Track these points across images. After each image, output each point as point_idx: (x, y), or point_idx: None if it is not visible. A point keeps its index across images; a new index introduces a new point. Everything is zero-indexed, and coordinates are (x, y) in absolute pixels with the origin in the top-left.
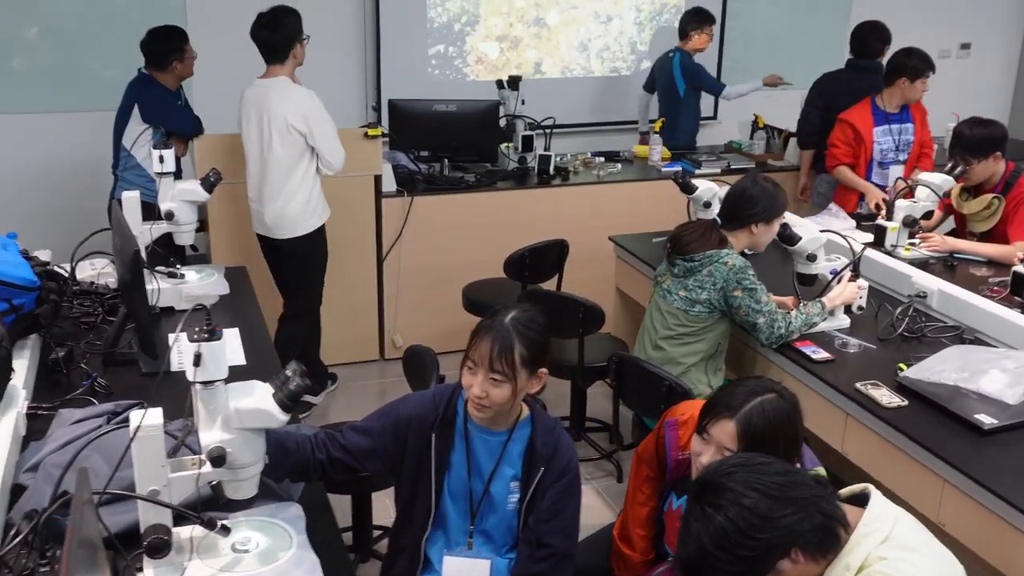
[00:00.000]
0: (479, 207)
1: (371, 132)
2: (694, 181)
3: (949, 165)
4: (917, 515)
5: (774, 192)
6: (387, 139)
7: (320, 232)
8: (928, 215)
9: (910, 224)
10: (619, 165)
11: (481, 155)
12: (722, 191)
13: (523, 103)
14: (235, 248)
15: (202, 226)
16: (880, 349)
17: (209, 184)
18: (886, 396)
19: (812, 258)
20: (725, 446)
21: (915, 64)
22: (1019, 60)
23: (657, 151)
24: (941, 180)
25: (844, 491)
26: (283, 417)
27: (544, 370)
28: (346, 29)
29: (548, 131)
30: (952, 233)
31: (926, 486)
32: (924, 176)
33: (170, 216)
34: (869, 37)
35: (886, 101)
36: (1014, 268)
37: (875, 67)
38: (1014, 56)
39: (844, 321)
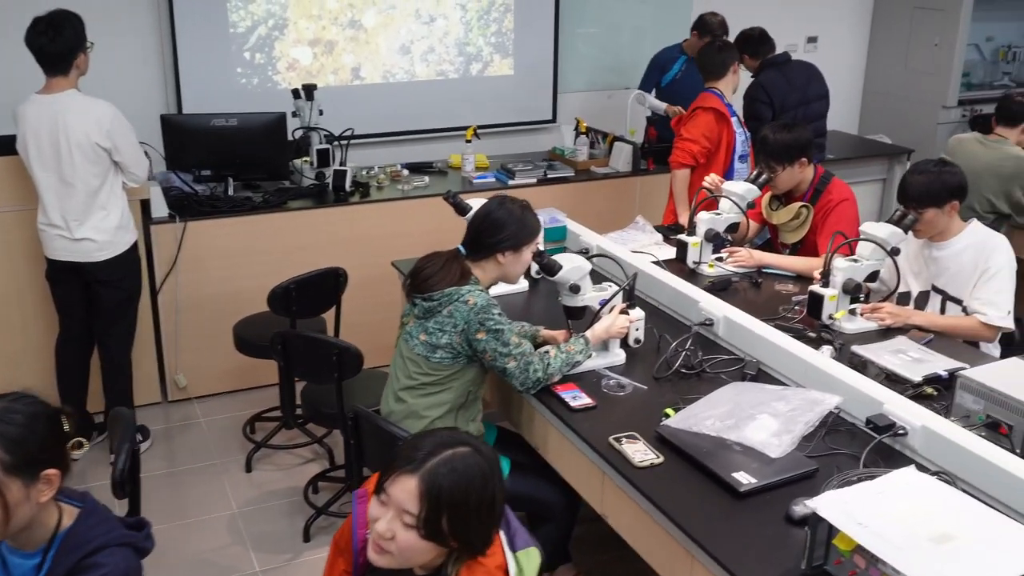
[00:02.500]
0: (267, 230)
1: None
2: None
3: (753, 173)
4: None
5: (522, 215)
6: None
7: (136, 248)
8: (734, 227)
9: (713, 239)
10: (427, 178)
11: (270, 172)
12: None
13: (321, 113)
14: None
15: None
16: (652, 390)
17: None
18: (640, 452)
19: (576, 289)
20: (405, 508)
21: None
22: (867, 54)
23: (470, 161)
24: (744, 190)
25: None
26: None
27: (53, 471)
28: (140, 36)
29: (345, 143)
30: (767, 245)
31: (676, 561)
32: (727, 186)
33: None
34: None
35: (724, 91)
36: (810, 288)
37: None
38: (862, 49)
39: (619, 357)
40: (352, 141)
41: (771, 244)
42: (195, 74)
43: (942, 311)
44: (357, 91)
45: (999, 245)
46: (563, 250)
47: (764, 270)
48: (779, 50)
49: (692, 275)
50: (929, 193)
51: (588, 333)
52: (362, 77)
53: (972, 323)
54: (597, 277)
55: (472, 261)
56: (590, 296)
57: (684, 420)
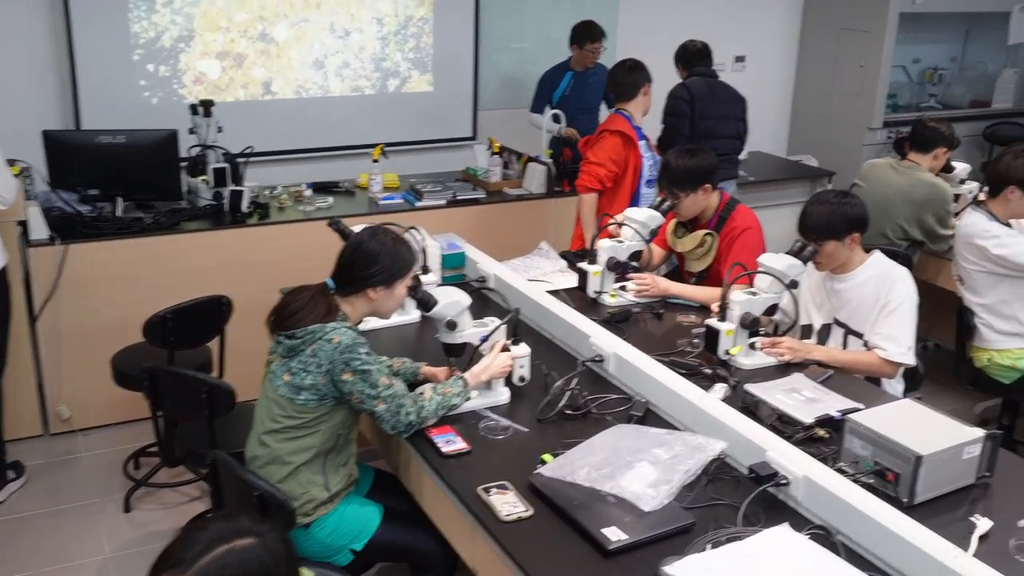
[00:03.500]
0: (157, 253)
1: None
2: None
3: (657, 199)
4: None
5: (395, 248)
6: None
7: (5, 273)
8: (636, 255)
9: (614, 268)
10: (331, 199)
11: (161, 192)
12: None
13: (220, 130)
14: None
15: None
16: (534, 432)
17: None
18: (509, 504)
19: (452, 325)
20: None
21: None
22: (795, 74)
23: (378, 181)
24: (646, 217)
25: None
26: None
27: None
28: (34, 48)
29: (244, 162)
30: (675, 273)
31: None
32: (628, 213)
33: None
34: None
35: (634, 114)
36: (707, 321)
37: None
38: (790, 70)
39: (502, 396)
40: (262, 158)
41: (679, 272)
42: (94, 88)
43: (844, 345)
44: (268, 106)
45: (901, 278)
46: (462, 277)
47: (668, 300)
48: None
49: (594, 305)
50: (829, 225)
51: (467, 374)
52: (273, 92)
53: (873, 359)
54: (494, 308)
55: (341, 296)
56: (469, 332)
57: (559, 468)
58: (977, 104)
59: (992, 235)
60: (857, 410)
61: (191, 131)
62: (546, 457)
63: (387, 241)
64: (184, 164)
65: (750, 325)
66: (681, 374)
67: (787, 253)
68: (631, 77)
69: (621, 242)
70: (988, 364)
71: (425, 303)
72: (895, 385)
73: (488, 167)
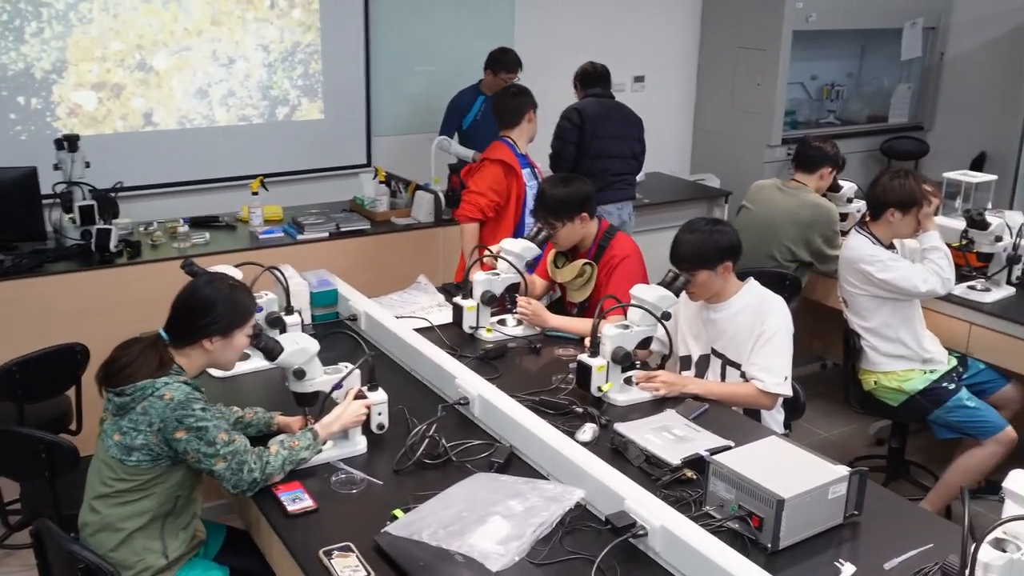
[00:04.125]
0: (19, 297)
1: None
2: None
3: (533, 229)
4: None
5: (232, 295)
6: None
7: None
8: (514, 287)
9: (488, 302)
10: (208, 234)
11: (22, 233)
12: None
13: (87, 165)
14: None
15: None
16: (389, 485)
17: None
18: (350, 568)
19: (300, 374)
20: None
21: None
22: (695, 94)
23: (258, 214)
24: (521, 248)
25: None
26: None
27: None
28: None
29: (116, 196)
30: (556, 305)
31: None
32: (504, 244)
33: None
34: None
35: (517, 141)
36: (579, 357)
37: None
38: (690, 89)
39: (358, 446)
40: (142, 192)
41: (562, 303)
42: None
43: (723, 376)
44: (150, 137)
45: (775, 307)
46: (336, 316)
47: (547, 333)
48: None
49: (472, 340)
50: (700, 254)
51: (317, 425)
52: (155, 123)
53: (749, 390)
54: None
55: (175, 348)
56: (320, 380)
57: (407, 525)
58: (874, 119)
59: (876, 260)
60: (727, 448)
61: (56, 167)
62: (397, 513)
63: (223, 288)
64: (49, 202)
65: (622, 360)
66: (550, 414)
67: (659, 284)
68: (515, 103)
69: (497, 274)
70: (875, 387)
71: (270, 352)
72: (775, 416)
73: (375, 196)
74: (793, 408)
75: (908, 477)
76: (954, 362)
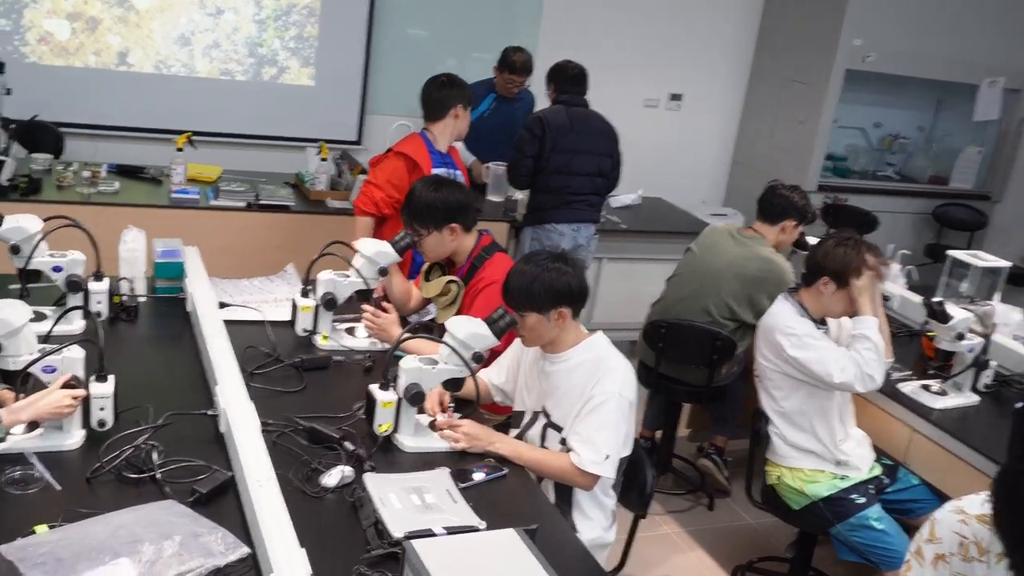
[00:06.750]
0: None
1: None
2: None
3: (399, 234)
4: None
5: None
6: None
7: None
8: (365, 295)
9: (329, 305)
10: (117, 184)
11: None
12: None
13: (8, 92)
14: None
15: None
16: (69, 492)
17: None
18: None
19: None
20: None
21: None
22: (739, 122)
23: (180, 172)
24: (374, 251)
25: None
26: None
27: None
28: None
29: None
30: (432, 322)
31: None
32: (359, 244)
33: None
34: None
35: (438, 137)
36: (369, 387)
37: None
38: (733, 116)
39: (71, 439)
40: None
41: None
42: None
43: (542, 439)
44: (122, 78)
45: (613, 370)
46: (178, 291)
47: (395, 353)
48: (639, 102)
49: (308, 346)
50: (528, 293)
51: (5, 410)
52: (129, 63)
53: (563, 462)
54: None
55: None
56: (23, 359)
57: (20, 548)
58: (936, 180)
59: (792, 333)
60: (472, 530)
61: None
62: (39, 528)
63: None
64: None
65: (413, 400)
66: (304, 445)
67: (485, 321)
68: (440, 94)
69: (347, 276)
70: (778, 482)
71: None
72: (601, 500)
73: (315, 173)
74: (640, 496)
75: None
76: (877, 471)
